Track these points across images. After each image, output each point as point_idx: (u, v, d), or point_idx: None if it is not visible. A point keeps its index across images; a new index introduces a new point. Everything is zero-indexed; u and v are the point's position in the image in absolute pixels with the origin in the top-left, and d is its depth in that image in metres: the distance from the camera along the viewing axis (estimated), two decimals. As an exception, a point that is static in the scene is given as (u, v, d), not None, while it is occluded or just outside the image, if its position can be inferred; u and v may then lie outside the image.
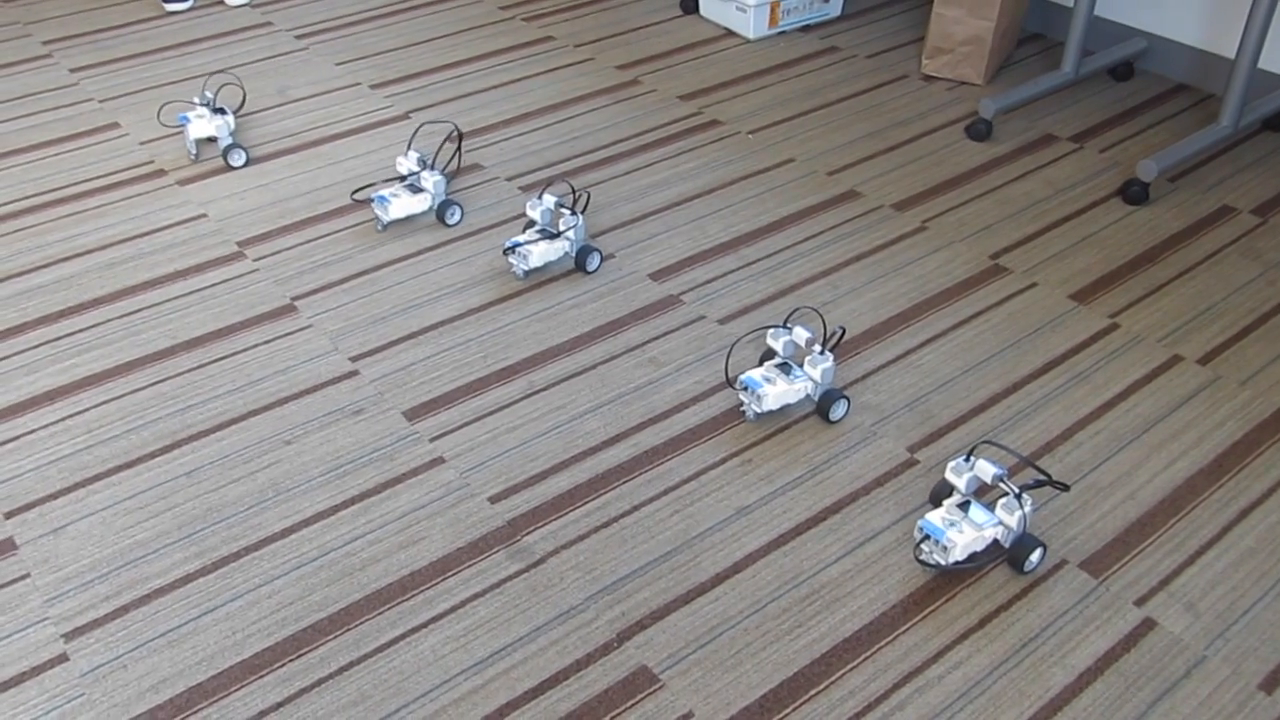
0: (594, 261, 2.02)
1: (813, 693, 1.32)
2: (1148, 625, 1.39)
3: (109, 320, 1.94)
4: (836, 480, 1.60)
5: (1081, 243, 2.11)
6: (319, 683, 1.34)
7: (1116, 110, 2.56)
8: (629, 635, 1.39)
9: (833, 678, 1.34)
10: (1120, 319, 1.91)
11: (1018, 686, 1.32)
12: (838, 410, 1.69)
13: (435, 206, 2.16)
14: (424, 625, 1.40)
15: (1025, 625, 1.39)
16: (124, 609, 1.43)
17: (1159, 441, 1.66)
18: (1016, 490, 1.44)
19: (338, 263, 2.07)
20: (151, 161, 2.40)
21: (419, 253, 2.10)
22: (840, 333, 1.77)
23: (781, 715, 1.30)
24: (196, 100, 2.42)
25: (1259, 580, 1.45)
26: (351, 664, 1.36)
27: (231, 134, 2.40)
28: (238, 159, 2.36)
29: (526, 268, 1.98)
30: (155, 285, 2.02)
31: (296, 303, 1.97)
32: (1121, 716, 1.29)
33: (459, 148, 2.29)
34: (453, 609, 1.42)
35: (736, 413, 1.72)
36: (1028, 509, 1.44)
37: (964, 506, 1.46)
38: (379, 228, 2.15)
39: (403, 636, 1.39)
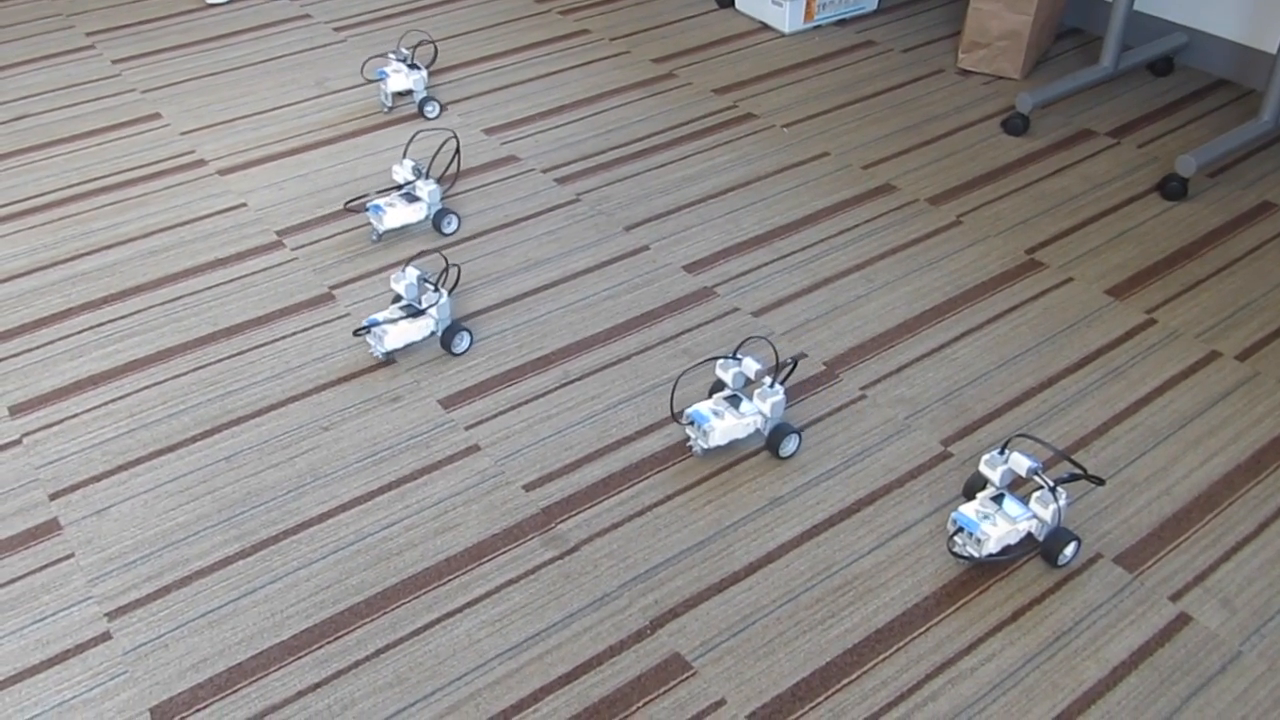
0: (461, 343, 1.82)
1: (845, 682, 1.32)
2: (1183, 620, 1.39)
3: (151, 307, 1.97)
4: (870, 472, 1.60)
5: (1119, 238, 2.10)
6: (356, 664, 1.36)
7: (1155, 105, 2.54)
8: (662, 622, 1.40)
9: (865, 668, 1.34)
10: (1157, 314, 1.90)
11: (1051, 679, 1.32)
12: (788, 446, 1.61)
13: (431, 215, 2.12)
14: (460, 610, 1.42)
15: (1059, 619, 1.39)
16: (165, 589, 1.46)
17: (1196, 437, 1.65)
18: (1051, 484, 1.44)
19: (375, 252, 2.09)
20: (193, 151, 2.44)
21: (453, 245, 2.11)
22: (792, 364, 1.70)
23: (814, 704, 1.30)
24: (393, 55, 2.56)
25: (1297, 577, 1.44)
26: (388, 646, 1.38)
27: (426, 88, 2.55)
28: (432, 110, 2.51)
29: (384, 349, 1.79)
30: (196, 273, 2.06)
31: (334, 291, 2.00)
32: (1156, 711, 1.29)
33: (457, 155, 2.26)
34: (488, 594, 1.44)
35: (770, 404, 1.72)
36: (1063, 502, 1.44)
37: (998, 499, 1.46)
38: (373, 238, 2.10)
39: (439, 620, 1.41)
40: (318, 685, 1.34)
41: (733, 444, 1.65)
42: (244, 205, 2.25)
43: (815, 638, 1.38)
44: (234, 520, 1.55)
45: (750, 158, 2.37)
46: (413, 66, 2.53)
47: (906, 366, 1.80)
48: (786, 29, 2.90)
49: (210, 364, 1.84)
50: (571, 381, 1.78)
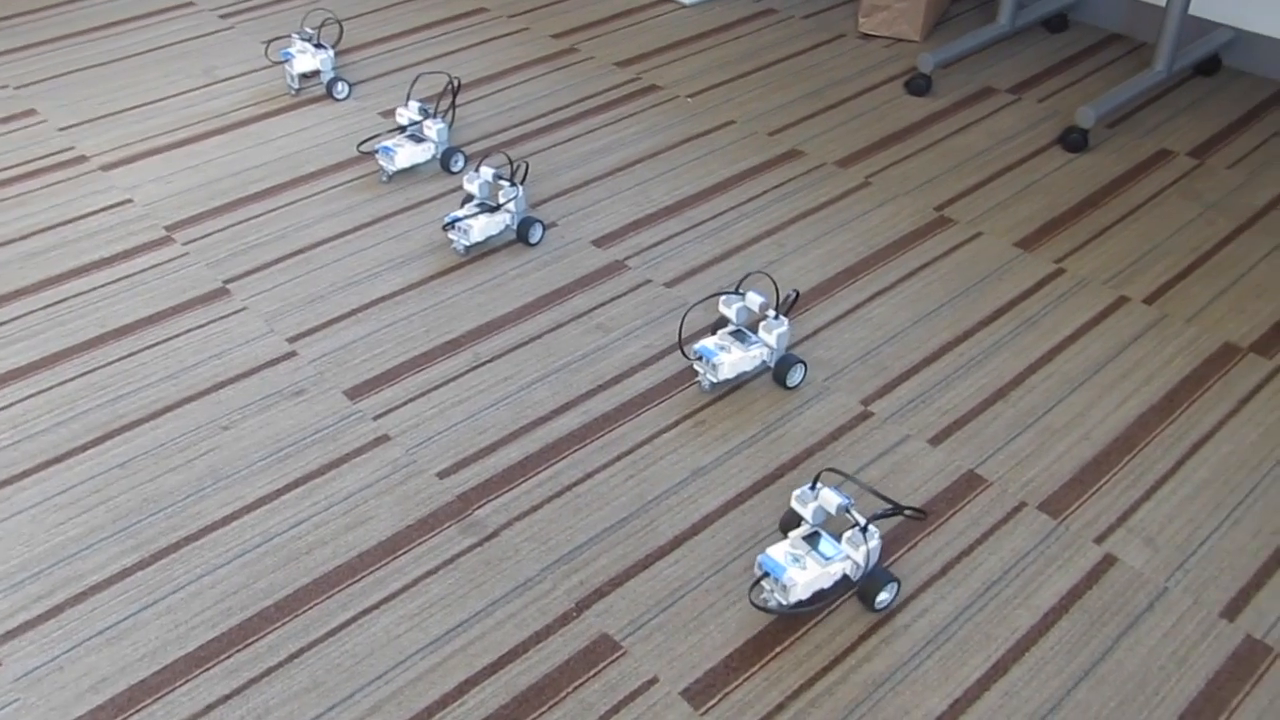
0: (536, 233, 1.97)
1: (778, 649, 1.30)
2: (1108, 561, 1.39)
3: (33, 311, 1.86)
4: (792, 436, 1.58)
5: (1024, 191, 2.10)
6: (268, 671, 1.29)
7: (1053, 61, 2.56)
8: (588, 604, 1.35)
9: (798, 633, 1.31)
10: (1066, 263, 1.91)
11: (984, 630, 1.31)
12: (795, 376, 1.64)
13: (439, 155, 2.18)
14: (376, 606, 1.36)
15: (988, 569, 1.38)
16: (58, 608, 1.37)
17: (1110, 381, 1.66)
18: (863, 522, 1.31)
19: (271, 243, 2.01)
20: (72, 148, 2.31)
21: (355, 229, 2.04)
22: (794, 295, 1.71)
23: (748, 674, 1.27)
24: (297, 36, 2.47)
25: (1214, 510, 1.45)
26: (302, 650, 1.31)
27: (334, 68, 2.49)
28: (341, 91, 2.45)
29: (467, 243, 1.93)
30: (81, 274, 1.95)
31: (229, 285, 1.91)
32: (1088, 652, 1.28)
33: (454, 97, 2.25)
34: (405, 588, 1.38)
35: (688, 375, 1.69)
36: (874, 543, 1.31)
37: (811, 539, 1.32)
38: (383, 179, 2.16)
39: (354, 619, 1.34)
40: (228, 696, 1.26)
41: (739, 376, 1.67)
42: (130, 201, 2.14)
43: (746, 607, 1.35)
44: (131, 529, 1.47)
45: (656, 129, 2.33)
46: (319, 46, 2.45)
47: (823, 329, 1.78)
48: (687, 0, 2.86)
49: (99, 367, 1.74)
50: (483, 364, 1.72)
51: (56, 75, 2.60)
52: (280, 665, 1.30)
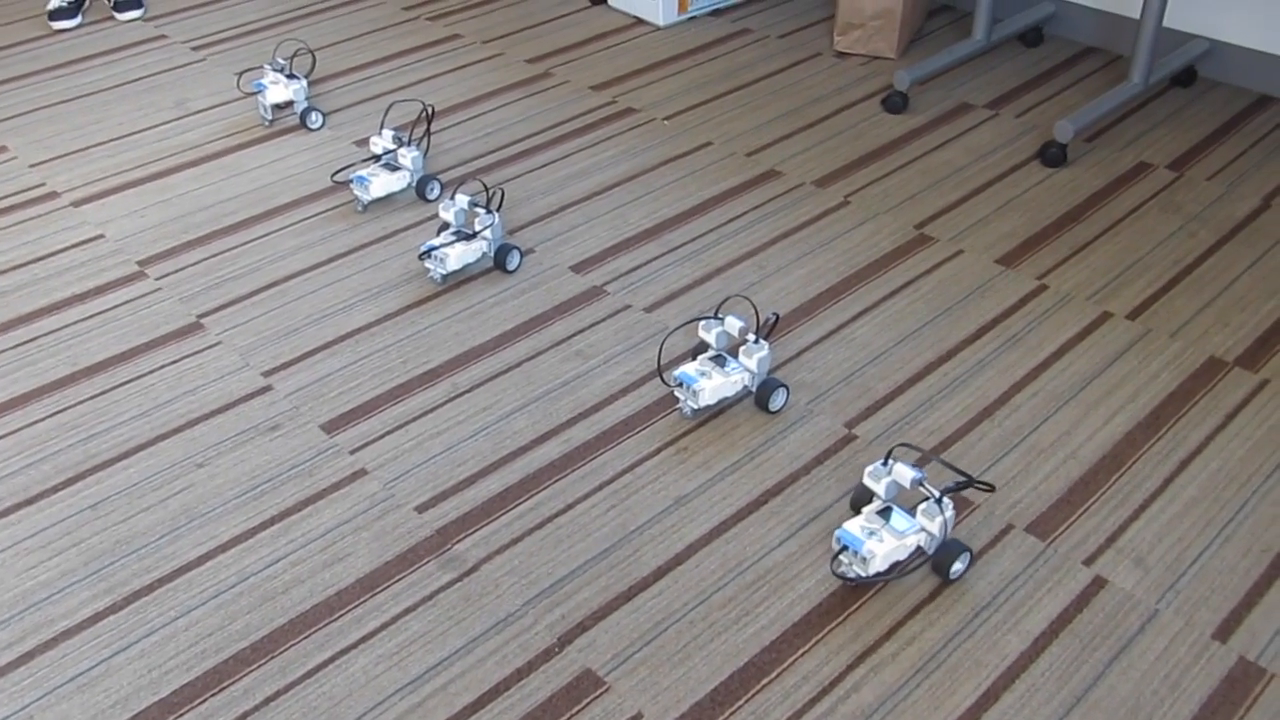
0: (514, 260, 1.95)
1: (765, 681, 1.27)
2: (1098, 584, 1.37)
3: (3, 351, 1.83)
4: (775, 462, 1.56)
5: (1004, 207, 2.10)
6: (244, 716, 1.26)
7: (1029, 75, 2.56)
8: (570, 638, 1.33)
9: (785, 664, 1.29)
10: (1048, 279, 1.90)
11: (974, 657, 1.29)
12: (777, 400, 1.62)
13: (414, 183, 2.16)
14: (354, 645, 1.33)
15: (976, 594, 1.36)
16: (28, 655, 1.33)
17: (1096, 398, 1.65)
18: (937, 494, 1.35)
19: (246, 276, 1.98)
20: (43, 184, 2.28)
21: (331, 260, 2.01)
22: (774, 319, 1.70)
23: (734, 708, 1.24)
24: (269, 66, 2.45)
25: (1204, 529, 1.43)
26: (278, 693, 1.28)
27: (307, 98, 2.46)
28: (315, 121, 2.43)
29: (444, 271, 1.91)
30: (52, 311, 1.92)
31: (203, 320, 1.88)
32: (1080, 678, 1.26)
33: (428, 125, 2.23)
34: (383, 626, 1.35)
35: (669, 401, 1.67)
36: (949, 514, 1.35)
37: (884, 513, 1.37)
38: (358, 209, 2.14)
39: (332, 659, 1.31)
40: (203, 743, 1.23)
41: (721, 402, 1.64)
42: (101, 236, 2.11)
43: (731, 638, 1.32)
44: (103, 572, 1.44)
45: (633, 152, 2.31)
46: (291, 76, 2.43)
47: (805, 350, 1.76)
48: (661, 22, 2.85)
49: (70, 406, 1.71)
50: (461, 394, 1.70)
51: (27, 111, 2.57)
52: (256, 709, 1.26)
